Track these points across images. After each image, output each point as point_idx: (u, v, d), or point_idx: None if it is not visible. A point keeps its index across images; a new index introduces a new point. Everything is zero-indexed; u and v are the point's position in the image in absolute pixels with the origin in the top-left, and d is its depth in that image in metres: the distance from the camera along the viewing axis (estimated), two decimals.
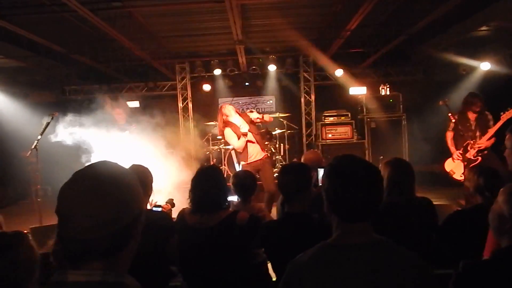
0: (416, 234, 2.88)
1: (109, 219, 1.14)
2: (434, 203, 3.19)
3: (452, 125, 6.48)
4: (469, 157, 6.19)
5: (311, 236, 1.89)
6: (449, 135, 6.55)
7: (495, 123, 6.03)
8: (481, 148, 6.13)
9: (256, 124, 6.67)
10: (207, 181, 2.97)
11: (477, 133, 6.24)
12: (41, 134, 6.47)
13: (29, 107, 7.30)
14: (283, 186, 2.81)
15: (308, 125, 11.68)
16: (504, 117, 5.74)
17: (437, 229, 3.11)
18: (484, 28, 8.89)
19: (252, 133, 6.31)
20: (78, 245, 1.14)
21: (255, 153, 6.36)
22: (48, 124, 6.52)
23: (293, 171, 2.85)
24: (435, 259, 2.69)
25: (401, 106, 10.48)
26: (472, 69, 10.57)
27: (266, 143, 9.26)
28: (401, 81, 11.31)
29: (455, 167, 6.43)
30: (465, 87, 10.51)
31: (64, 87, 12.08)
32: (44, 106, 6.98)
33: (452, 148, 6.50)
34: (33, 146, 6.39)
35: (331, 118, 10.53)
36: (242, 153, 6.36)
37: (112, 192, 1.17)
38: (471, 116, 6.35)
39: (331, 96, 11.58)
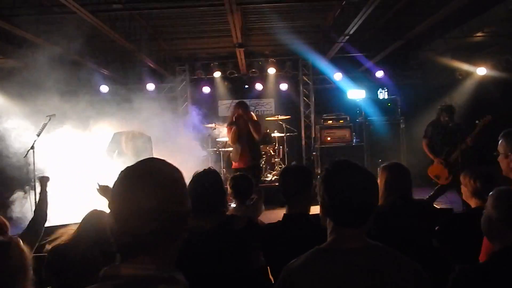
0: (415, 238, 2.88)
1: (162, 215, 1.19)
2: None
3: (427, 132, 6.72)
4: (451, 161, 6.40)
5: (312, 239, 1.87)
6: (425, 141, 6.75)
7: (469, 130, 6.21)
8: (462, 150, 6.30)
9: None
10: (203, 185, 2.94)
11: (454, 139, 6.36)
12: (38, 135, 6.45)
13: (26, 107, 7.29)
14: (284, 188, 2.77)
15: (307, 128, 11.69)
16: (480, 124, 6.00)
17: (435, 233, 3.12)
18: (480, 33, 8.95)
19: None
20: (130, 238, 1.17)
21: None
22: (45, 125, 6.50)
23: (295, 173, 2.81)
24: (434, 262, 2.70)
25: (399, 109, 10.51)
26: (468, 74, 10.64)
27: (267, 147, 9.29)
28: (399, 85, 11.34)
29: (439, 172, 6.53)
30: (461, 91, 10.59)
31: (62, 88, 12.02)
32: (42, 107, 6.95)
33: (431, 155, 6.64)
34: (30, 147, 6.38)
35: (330, 121, 10.51)
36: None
37: (166, 189, 1.22)
38: (446, 124, 6.52)
39: (330, 99, 11.60)
